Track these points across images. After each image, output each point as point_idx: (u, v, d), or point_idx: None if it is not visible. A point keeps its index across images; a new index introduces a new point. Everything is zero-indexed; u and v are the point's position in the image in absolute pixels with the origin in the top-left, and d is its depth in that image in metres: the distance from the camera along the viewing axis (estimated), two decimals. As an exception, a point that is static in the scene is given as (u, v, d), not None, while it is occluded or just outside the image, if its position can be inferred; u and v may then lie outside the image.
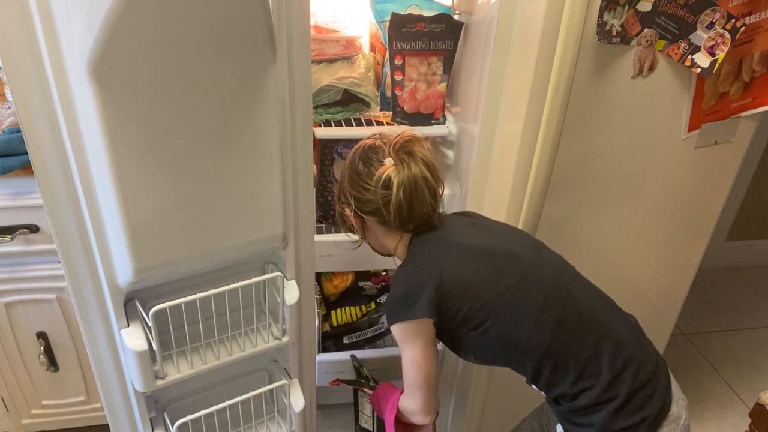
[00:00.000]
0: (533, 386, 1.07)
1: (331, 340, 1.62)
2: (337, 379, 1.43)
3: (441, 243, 1.08)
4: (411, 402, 1.09)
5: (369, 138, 1.12)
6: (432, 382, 1.06)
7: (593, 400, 0.99)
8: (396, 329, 1.04)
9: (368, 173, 1.06)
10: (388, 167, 1.04)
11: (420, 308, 1.00)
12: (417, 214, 1.06)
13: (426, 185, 1.05)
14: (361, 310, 1.62)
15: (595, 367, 0.99)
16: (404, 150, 1.06)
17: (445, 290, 1.01)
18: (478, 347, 1.07)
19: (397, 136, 1.08)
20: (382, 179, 1.03)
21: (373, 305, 1.63)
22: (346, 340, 1.62)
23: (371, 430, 1.36)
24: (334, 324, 1.61)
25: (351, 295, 1.66)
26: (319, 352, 1.54)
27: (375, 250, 1.21)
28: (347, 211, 1.13)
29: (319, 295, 1.63)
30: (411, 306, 1.01)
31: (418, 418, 1.11)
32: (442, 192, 1.10)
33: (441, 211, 1.12)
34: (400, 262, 1.10)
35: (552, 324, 1.00)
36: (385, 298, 1.09)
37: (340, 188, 1.14)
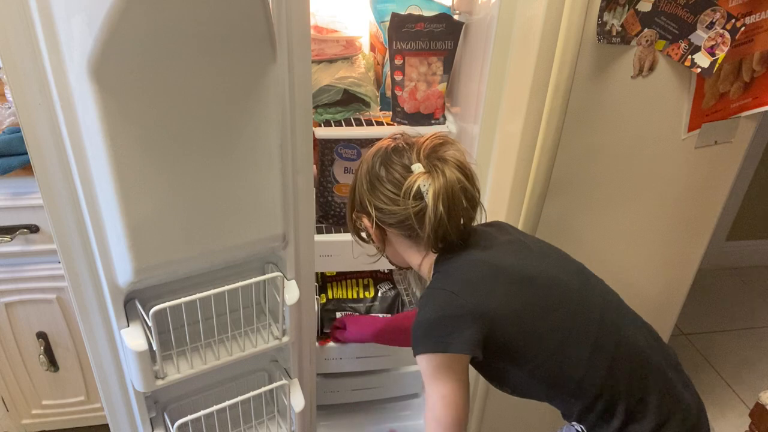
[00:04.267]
0: (573, 424, 0.98)
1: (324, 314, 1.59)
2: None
3: (477, 265, 0.93)
4: None
5: (388, 138, 0.99)
6: (464, 422, 0.92)
7: None
8: (425, 361, 0.89)
9: (393, 180, 0.93)
10: (419, 176, 0.90)
11: (459, 342, 0.87)
12: (454, 229, 0.91)
13: (464, 194, 0.91)
14: (358, 290, 1.62)
15: (643, 410, 0.91)
16: (436, 155, 0.93)
17: (489, 326, 0.88)
18: (522, 386, 0.96)
19: (425, 139, 0.95)
20: (413, 190, 0.90)
21: (372, 292, 1.62)
22: (338, 315, 1.58)
23: None
24: (330, 297, 1.60)
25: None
26: (318, 337, 1.53)
27: (391, 263, 1.08)
28: (365, 221, 1.00)
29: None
30: (446, 337, 0.87)
31: None
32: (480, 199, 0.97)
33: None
34: (414, 273, 1.01)
35: (605, 366, 0.90)
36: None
37: (354, 194, 1.01)
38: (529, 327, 0.90)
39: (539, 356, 0.91)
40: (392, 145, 0.97)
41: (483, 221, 1.04)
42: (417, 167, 0.91)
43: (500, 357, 0.91)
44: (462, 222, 0.93)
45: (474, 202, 0.94)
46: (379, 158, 0.96)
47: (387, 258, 1.07)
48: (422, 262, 0.99)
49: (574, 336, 0.91)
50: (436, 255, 0.96)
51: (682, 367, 0.99)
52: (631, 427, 0.91)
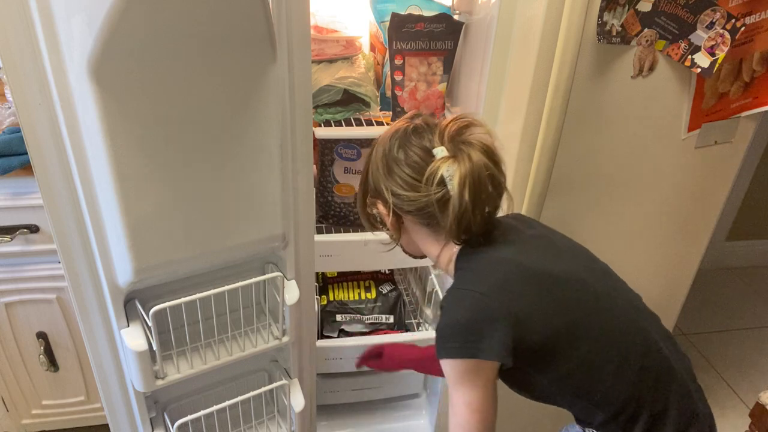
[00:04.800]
0: (586, 429, 0.94)
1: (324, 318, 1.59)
2: None
3: (505, 264, 0.87)
4: None
5: (405, 119, 0.92)
6: (491, 430, 0.86)
7: None
8: (450, 366, 0.84)
9: (412, 164, 0.86)
10: (443, 161, 0.83)
11: (489, 348, 0.81)
12: (479, 218, 0.85)
13: (491, 181, 0.84)
14: (359, 292, 1.61)
15: (663, 421, 0.88)
16: (460, 138, 0.85)
17: (519, 331, 0.82)
18: (545, 393, 0.92)
19: (449, 121, 0.87)
20: (436, 176, 0.83)
21: (373, 293, 1.62)
22: (339, 318, 1.58)
23: None
24: (331, 299, 1.60)
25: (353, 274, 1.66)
26: (318, 336, 1.53)
27: (405, 252, 1.02)
28: (380, 207, 0.93)
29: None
30: (475, 342, 0.81)
31: None
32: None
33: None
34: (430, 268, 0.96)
35: (633, 375, 0.87)
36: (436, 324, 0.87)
37: (368, 178, 0.94)
38: (560, 333, 0.85)
39: (568, 364, 0.86)
40: (411, 125, 0.89)
41: (508, 211, 0.99)
42: (440, 151, 0.84)
43: (527, 363, 0.86)
44: (487, 211, 0.86)
45: (500, 189, 0.87)
46: (398, 140, 0.89)
47: (401, 247, 1.01)
48: (441, 253, 0.92)
49: (603, 344, 0.87)
50: (457, 247, 0.90)
51: (696, 377, 0.96)
52: None
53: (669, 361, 0.90)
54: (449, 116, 0.89)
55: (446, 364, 0.85)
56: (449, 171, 0.82)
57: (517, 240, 0.92)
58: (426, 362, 1.17)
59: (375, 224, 1.01)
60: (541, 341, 0.85)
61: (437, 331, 0.86)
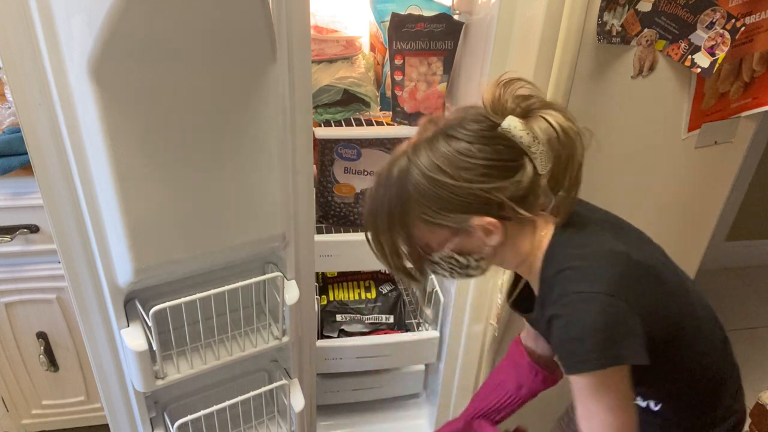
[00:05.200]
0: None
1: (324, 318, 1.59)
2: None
3: (612, 257, 0.78)
4: None
5: (420, 130, 0.79)
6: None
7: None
8: (588, 378, 0.75)
9: (489, 153, 0.74)
10: (521, 127, 0.73)
11: (632, 350, 0.74)
12: (574, 185, 0.77)
13: (579, 140, 0.76)
14: (360, 292, 1.61)
15: (728, 414, 0.93)
16: (526, 104, 0.75)
17: (647, 328, 0.76)
18: (663, 387, 0.89)
19: (496, 91, 0.75)
20: (523, 142, 0.73)
21: (373, 293, 1.62)
22: (339, 318, 1.58)
23: None
24: (331, 299, 1.60)
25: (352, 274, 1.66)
26: (318, 336, 1.53)
27: (500, 266, 0.88)
28: (444, 234, 0.79)
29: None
30: (616, 347, 0.74)
31: None
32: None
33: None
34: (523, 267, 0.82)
35: (729, 362, 0.88)
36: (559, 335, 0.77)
37: (423, 207, 0.77)
38: (674, 322, 0.81)
39: (687, 351, 0.83)
40: (443, 125, 0.77)
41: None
42: (511, 121, 0.73)
43: (653, 358, 0.79)
44: (575, 174, 0.77)
45: (581, 158, 0.78)
46: (443, 141, 0.75)
47: (477, 273, 0.85)
48: (532, 247, 0.81)
49: (705, 334, 0.85)
50: (547, 238, 0.80)
51: None
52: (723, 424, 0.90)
53: (729, 342, 0.93)
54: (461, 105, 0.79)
55: (583, 378, 0.76)
56: (530, 134, 0.73)
57: (605, 225, 0.85)
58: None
59: (435, 268, 0.84)
60: (662, 332, 0.80)
61: (567, 344, 0.76)
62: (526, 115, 0.75)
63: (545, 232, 0.81)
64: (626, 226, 0.89)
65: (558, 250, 0.80)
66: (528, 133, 0.73)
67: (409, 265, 0.84)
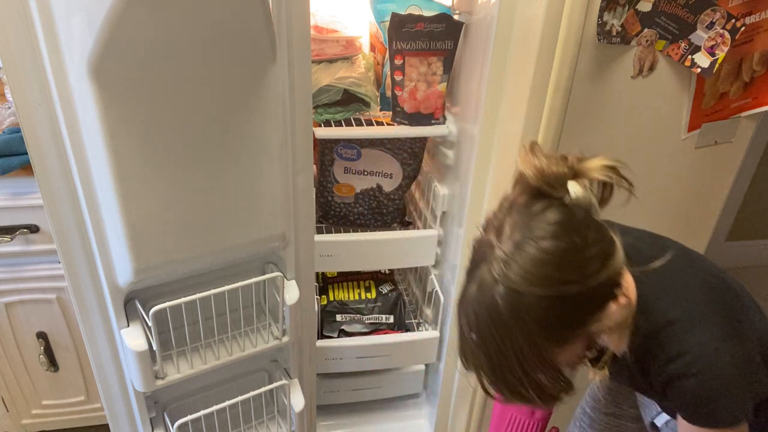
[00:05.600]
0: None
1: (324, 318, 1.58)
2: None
3: (701, 293, 0.77)
4: None
5: (487, 238, 0.72)
6: None
7: None
8: (722, 429, 0.74)
9: (582, 229, 0.70)
10: (581, 188, 0.71)
11: (764, 383, 0.75)
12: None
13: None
14: (359, 292, 1.61)
15: None
16: (569, 164, 0.72)
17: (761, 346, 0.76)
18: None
19: (535, 174, 0.71)
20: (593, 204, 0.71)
21: (373, 293, 1.62)
22: (339, 318, 1.58)
23: None
24: (331, 299, 1.60)
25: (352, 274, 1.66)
26: (318, 336, 1.53)
27: (608, 352, 0.86)
28: (583, 341, 0.73)
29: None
30: (751, 392, 0.73)
31: None
32: None
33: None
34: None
35: None
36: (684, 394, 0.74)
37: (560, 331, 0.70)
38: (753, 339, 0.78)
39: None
40: (519, 236, 0.69)
41: None
42: (572, 186, 0.70)
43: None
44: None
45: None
46: (534, 250, 0.67)
47: (610, 356, 0.84)
48: (628, 303, 0.75)
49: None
50: (632, 287, 0.76)
51: None
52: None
53: None
54: (513, 193, 0.74)
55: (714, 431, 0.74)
56: (587, 191, 0.72)
57: (656, 248, 0.82)
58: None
59: (574, 373, 0.77)
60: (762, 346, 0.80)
61: (699, 403, 0.73)
62: (576, 175, 0.71)
63: (628, 280, 0.75)
64: (666, 242, 0.87)
65: (650, 299, 0.76)
66: (586, 191, 0.71)
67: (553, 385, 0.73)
